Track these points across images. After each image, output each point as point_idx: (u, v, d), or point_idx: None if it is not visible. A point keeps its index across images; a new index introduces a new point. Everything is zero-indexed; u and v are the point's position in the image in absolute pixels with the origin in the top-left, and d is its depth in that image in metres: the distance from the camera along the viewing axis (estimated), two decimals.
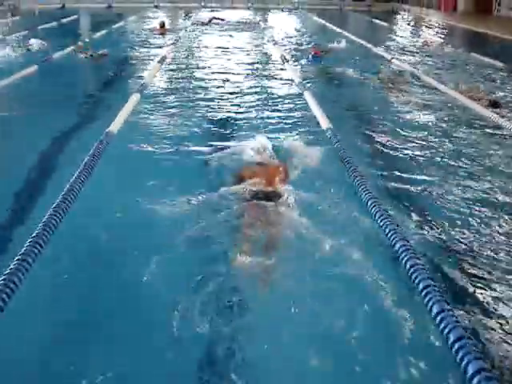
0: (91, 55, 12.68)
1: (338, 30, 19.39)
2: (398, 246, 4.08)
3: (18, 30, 17.33)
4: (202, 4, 29.32)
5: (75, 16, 24.07)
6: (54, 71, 11.58)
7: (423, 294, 3.52)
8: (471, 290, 4.02)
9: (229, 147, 6.52)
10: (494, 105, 8.92)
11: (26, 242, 3.91)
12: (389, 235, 4.28)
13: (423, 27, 23.49)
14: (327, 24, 21.59)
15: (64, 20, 21.80)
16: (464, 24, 23.15)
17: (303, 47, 15.08)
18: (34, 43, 14.23)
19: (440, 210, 5.29)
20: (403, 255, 3.95)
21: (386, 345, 3.44)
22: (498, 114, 8.38)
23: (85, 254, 4.38)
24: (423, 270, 3.75)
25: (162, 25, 19.02)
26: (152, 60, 12.73)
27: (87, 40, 15.76)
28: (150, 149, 6.69)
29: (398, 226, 4.42)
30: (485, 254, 4.49)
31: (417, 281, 3.65)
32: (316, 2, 32.62)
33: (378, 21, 23.94)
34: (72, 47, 13.15)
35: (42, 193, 5.62)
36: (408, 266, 3.84)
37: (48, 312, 3.70)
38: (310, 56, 12.90)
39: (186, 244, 4.40)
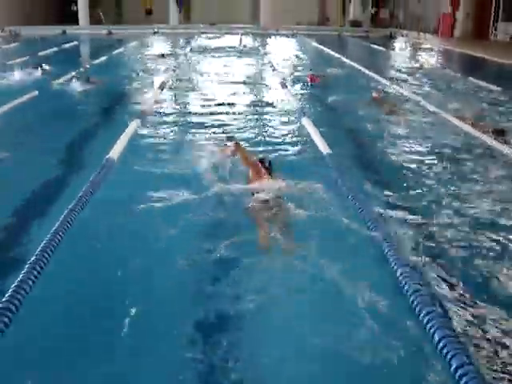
0: (88, 78, 12.68)
1: (337, 55, 19.54)
2: (399, 272, 4.07)
3: (19, 56, 17.47)
4: (202, 31, 29.60)
5: (76, 42, 24.34)
6: (54, 97, 11.63)
7: (425, 320, 3.51)
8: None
9: None
10: (500, 133, 8.55)
11: (25, 266, 3.95)
12: (390, 261, 4.29)
13: (421, 52, 23.71)
14: (326, 49, 21.76)
15: (65, 46, 22.03)
16: (461, 49, 23.36)
17: (302, 73, 15.14)
18: (35, 69, 14.34)
19: (437, 237, 5.26)
20: (404, 281, 3.94)
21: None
22: (504, 142, 8.14)
23: (80, 282, 4.35)
24: (425, 296, 3.73)
25: (162, 56, 19.27)
26: (152, 86, 12.79)
27: (88, 66, 15.89)
28: (150, 174, 6.68)
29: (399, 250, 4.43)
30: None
31: (418, 308, 3.64)
32: (314, 28, 33.05)
33: (376, 46, 24.15)
34: (73, 73, 13.00)
35: (41, 216, 5.58)
36: (410, 292, 3.83)
37: None
38: (308, 82, 12.96)
39: None
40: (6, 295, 3.63)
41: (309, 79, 13.16)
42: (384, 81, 13.82)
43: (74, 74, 13.80)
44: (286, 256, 4.60)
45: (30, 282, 3.84)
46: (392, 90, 12.60)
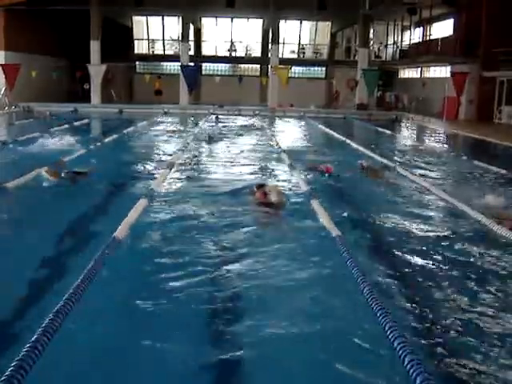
0: (67, 173, 10.45)
1: (342, 138, 19.76)
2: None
3: (29, 132, 17.87)
4: (211, 111, 30.22)
5: (87, 120, 24.85)
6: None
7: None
8: None
9: None
10: None
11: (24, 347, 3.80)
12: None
13: (426, 135, 24.02)
14: (332, 132, 22.05)
15: (76, 123, 22.47)
16: (468, 132, 23.64)
17: (310, 155, 15.28)
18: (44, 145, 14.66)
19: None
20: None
21: None
22: None
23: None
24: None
25: (173, 130, 19.94)
26: (160, 166, 12.85)
27: (99, 143, 16.03)
28: (155, 254, 6.66)
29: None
30: None
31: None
32: (321, 110, 33.78)
33: (381, 129, 24.50)
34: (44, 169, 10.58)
35: (43, 296, 5.50)
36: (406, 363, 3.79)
37: None
38: (324, 172, 12.27)
39: None
40: None
41: (324, 170, 12.34)
42: (389, 163, 13.76)
43: (83, 151, 14.03)
44: None
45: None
46: (398, 174, 12.57)
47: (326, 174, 12.10)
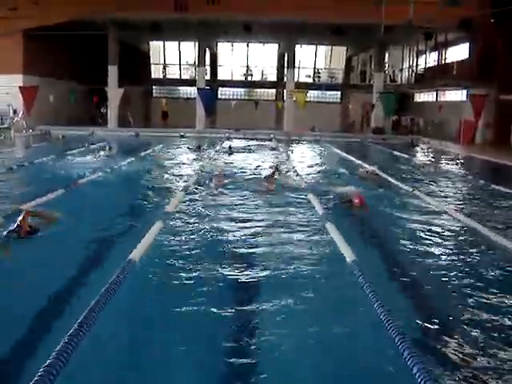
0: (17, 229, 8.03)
1: (358, 161, 19.63)
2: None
3: (44, 155, 18.06)
4: (227, 135, 30.30)
5: (104, 143, 24.98)
6: (80, 194, 11.79)
7: None
8: None
9: None
10: None
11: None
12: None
13: (443, 159, 23.69)
14: (348, 156, 21.97)
15: (92, 147, 22.61)
16: (489, 156, 23.32)
17: (326, 179, 15.18)
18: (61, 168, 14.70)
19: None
20: None
21: None
22: None
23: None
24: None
25: (198, 147, 21.78)
26: (176, 189, 12.83)
27: (117, 166, 15.99)
28: (171, 277, 6.62)
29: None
30: None
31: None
32: (337, 134, 33.74)
33: (397, 153, 24.32)
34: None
35: (58, 319, 5.42)
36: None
37: None
38: (357, 203, 11.08)
39: None
40: None
41: (357, 200, 11.09)
42: (407, 188, 13.57)
43: (100, 173, 14.08)
44: None
45: None
46: (416, 198, 12.39)
47: (358, 205, 11.04)
